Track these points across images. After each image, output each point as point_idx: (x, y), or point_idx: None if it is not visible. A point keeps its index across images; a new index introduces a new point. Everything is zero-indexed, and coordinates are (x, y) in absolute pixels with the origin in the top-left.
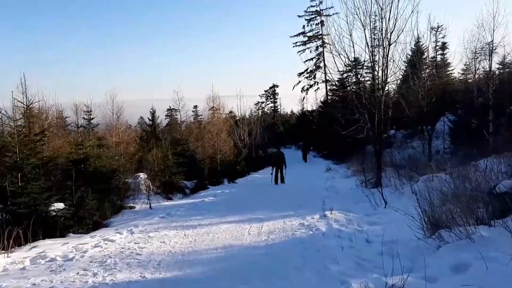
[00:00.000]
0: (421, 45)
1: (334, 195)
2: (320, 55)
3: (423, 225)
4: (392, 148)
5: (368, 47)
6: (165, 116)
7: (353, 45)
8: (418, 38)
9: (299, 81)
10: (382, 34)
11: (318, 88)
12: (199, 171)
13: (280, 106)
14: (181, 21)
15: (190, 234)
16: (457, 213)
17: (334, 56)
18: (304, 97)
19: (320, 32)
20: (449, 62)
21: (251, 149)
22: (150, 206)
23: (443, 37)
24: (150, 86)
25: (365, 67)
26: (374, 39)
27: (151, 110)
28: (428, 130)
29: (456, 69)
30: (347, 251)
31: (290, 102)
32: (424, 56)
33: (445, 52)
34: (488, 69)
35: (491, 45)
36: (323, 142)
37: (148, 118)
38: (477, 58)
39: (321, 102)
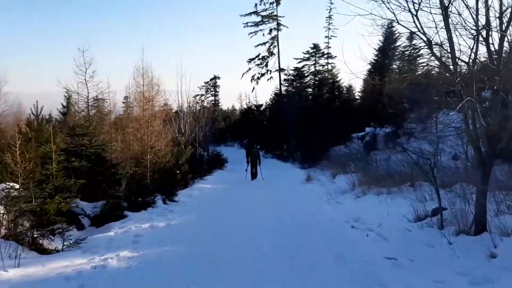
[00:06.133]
0: None
1: (389, 249)
2: (274, 39)
3: None
4: (376, 150)
5: None
6: (91, 107)
7: None
8: None
9: (249, 69)
10: None
11: (271, 77)
12: (112, 183)
13: (219, 102)
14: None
15: None
16: None
17: None
18: (253, 88)
19: (275, 13)
20: None
21: (194, 148)
22: None
23: None
24: None
25: None
26: None
27: (66, 95)
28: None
29: None
30: None
31: (229, 99)
32: None
33: None
34: None
35: None
36: (278, 140)
37: (62, 105)
38: None
39: (274, 94)
